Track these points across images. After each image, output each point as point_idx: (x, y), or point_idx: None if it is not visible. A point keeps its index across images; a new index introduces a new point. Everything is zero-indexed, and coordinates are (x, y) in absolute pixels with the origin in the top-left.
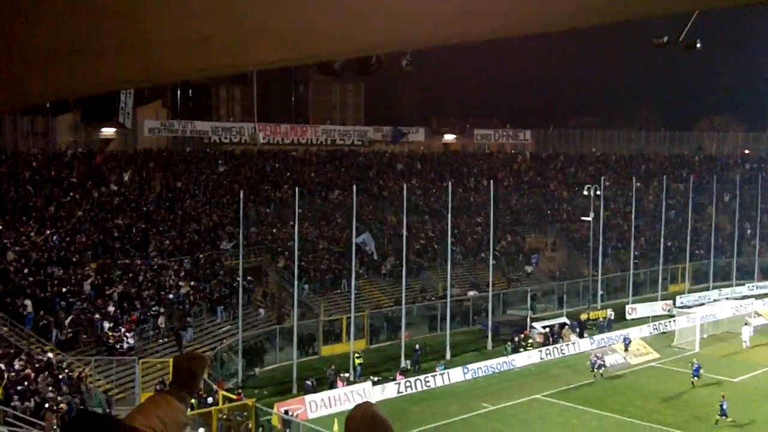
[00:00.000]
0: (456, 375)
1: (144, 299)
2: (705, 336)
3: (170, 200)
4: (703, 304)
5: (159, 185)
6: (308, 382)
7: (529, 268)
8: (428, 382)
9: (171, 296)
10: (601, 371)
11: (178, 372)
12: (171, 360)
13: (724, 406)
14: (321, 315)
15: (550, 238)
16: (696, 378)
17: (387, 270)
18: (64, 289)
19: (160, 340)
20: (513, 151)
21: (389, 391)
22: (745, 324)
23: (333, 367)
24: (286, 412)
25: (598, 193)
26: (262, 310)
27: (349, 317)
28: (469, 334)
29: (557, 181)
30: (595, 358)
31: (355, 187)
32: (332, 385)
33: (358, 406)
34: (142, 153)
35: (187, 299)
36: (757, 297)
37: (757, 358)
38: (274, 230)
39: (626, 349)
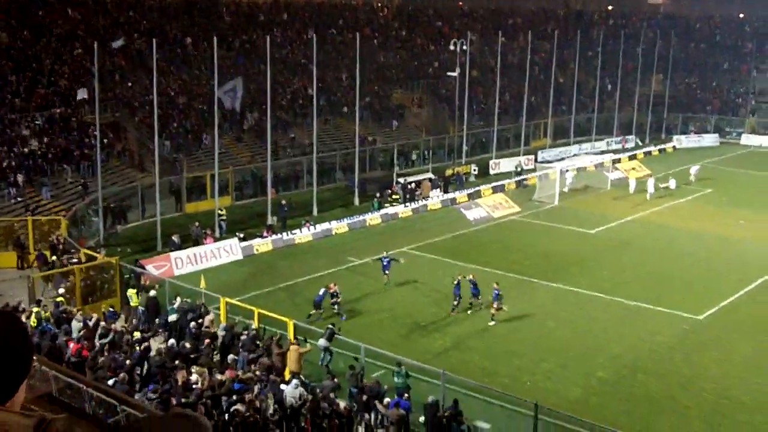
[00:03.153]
0: (323, 230)
1: None
2: (565, 190)
3: (19, 52)
4: (563, 158)
5: (6, 36)
6: (174, 239)
7: (395, 123)
8: (296, 237)
9: (25, 151)
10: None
11: None
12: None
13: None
14: (184, 171)
15: (417, 95)
16: (385, 274)
17: (250, 125)
18: None
19: (18, 199)
20: (379, 4)
21: (258, 248)
22: (567, 170)
23: (198, 224)
24: (138, 263)
25: (464, 48)
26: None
27: (213, 174)
28: (336, 190)
29: (424, 35)
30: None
31: (215, 38)
32: (197, 242)
33: None
34: None
35: (42, 156)
36: (615, 152)
37: (614, 211)
38: (131, 84)
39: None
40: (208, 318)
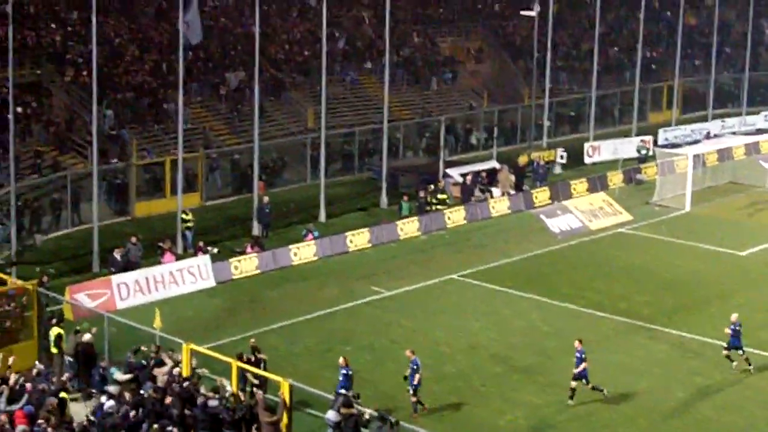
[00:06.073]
0: (334, 245)
1: None
2: (701, 188)
3: None
4: (697, 141)
5: None
6: (116, 256)
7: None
8: (293, 254)
9: None
10: None
11: None
12: None
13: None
14: (134, 156)
15: (475, 43)
16: None
17: (231, 88)
18: None
19: None
20: None
21: (237, 267)
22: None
23: (135, 239)
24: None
25: None
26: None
27: (176, 159)
28: (355, 184)
29: None
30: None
31: None
32: (133, 265)
33: None
34: None
35: None
36: None
37: None
38: (54, 26)
39: None
40: (164, 370)
